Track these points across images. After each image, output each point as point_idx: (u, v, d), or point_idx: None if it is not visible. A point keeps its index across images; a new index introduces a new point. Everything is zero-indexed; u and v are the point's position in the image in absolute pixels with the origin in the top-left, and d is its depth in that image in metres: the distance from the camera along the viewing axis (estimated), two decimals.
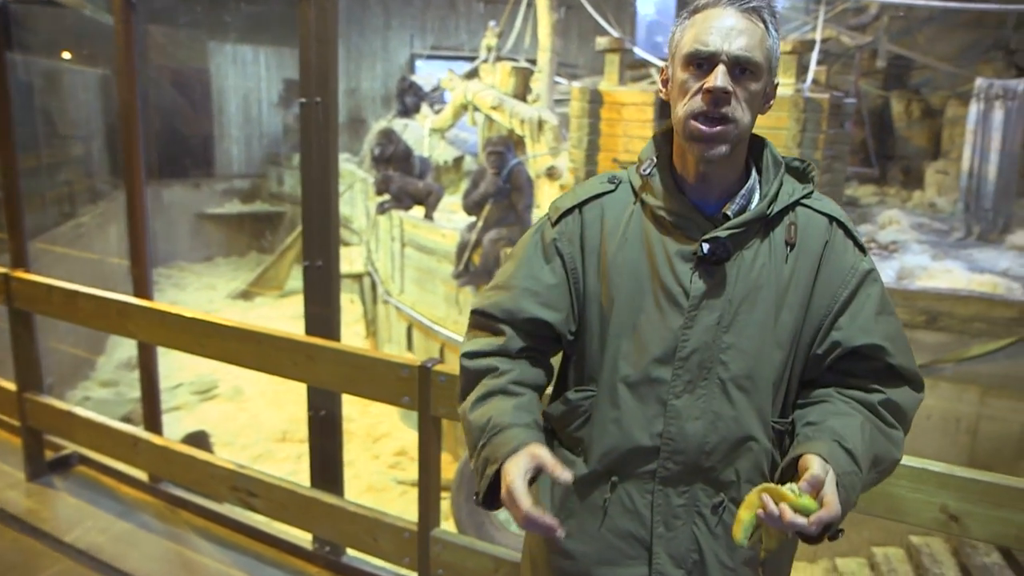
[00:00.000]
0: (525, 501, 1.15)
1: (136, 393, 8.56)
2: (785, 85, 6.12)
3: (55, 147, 10.22)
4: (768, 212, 1.29)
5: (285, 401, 8.23)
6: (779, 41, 1.28)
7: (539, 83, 8.05)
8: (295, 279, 12.15)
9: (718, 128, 1.21)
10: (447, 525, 3.03)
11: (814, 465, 1.15)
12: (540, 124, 7.44)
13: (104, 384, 9.15)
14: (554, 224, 1.39)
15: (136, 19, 3.08)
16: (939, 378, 5.37)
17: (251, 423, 8.11)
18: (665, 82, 1.32)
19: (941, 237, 8.09)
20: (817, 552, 5.90)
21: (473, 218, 6.50)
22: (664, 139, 1.36)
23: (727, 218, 1.29)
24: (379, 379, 2.47)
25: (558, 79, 8.46)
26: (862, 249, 1.34)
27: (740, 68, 1.21)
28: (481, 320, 1.42)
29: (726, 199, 1.31)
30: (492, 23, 9.74)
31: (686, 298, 1.27)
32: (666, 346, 1.28)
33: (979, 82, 7.82)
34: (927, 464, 1.69)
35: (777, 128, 5.76)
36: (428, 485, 2.47)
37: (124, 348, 9.70)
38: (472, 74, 9.65)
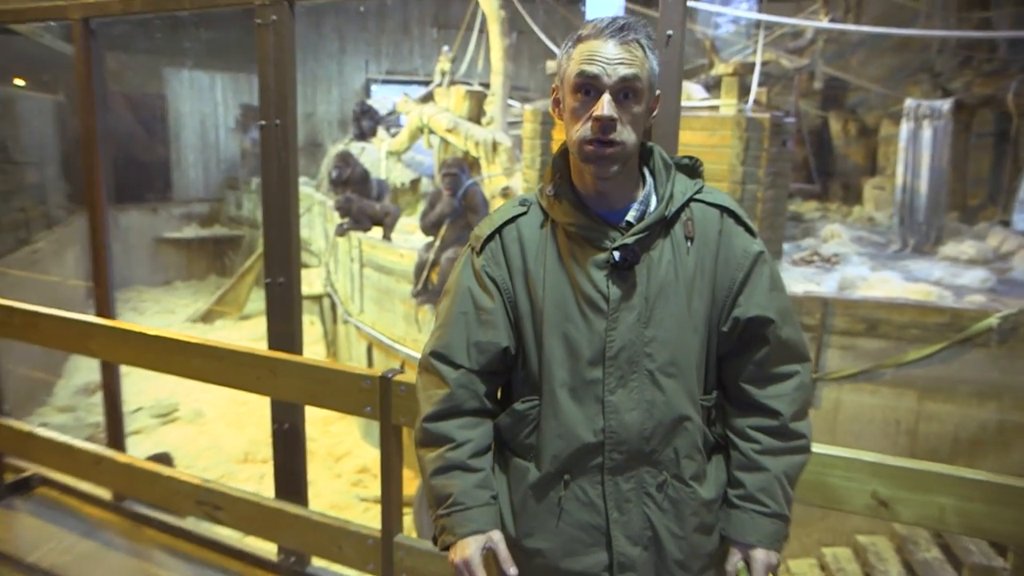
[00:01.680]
0: (480, 574, 1.41)
1: (95, 418, 8.45)
2: (727, 105, 6.40)
3: (9, 174, 10.11)
4: (667, 214, 1.42)
5: (246, 423, 8.18)
6: (657, 62, 1.39)
7: (492, 106, 8.22)
8: (255, 301, 12.09)
9: (608, 151, 1.33)
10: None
11: (754, 563, 1.45)
12: (494, 146, 7.60)
13: (62, 410, 8.99)
14: (479, 253, 1.49)
15: (96, 46, 3.14)
16: (879, 383, 5.62)
17: (212, 445, 8.04)
18: (556, 103, 1.43)
19: (879, 249, 8.41)
20: None
21: (430, 238, 6.62)
22: (562, 159, 1.48)
23: (630, 225, 1.42)
24: (341, 391, 2.53)
25: (511, 102, 8.65)
26: (752, 233, 1.48)
27: (624, 93, 1.33)
28: (435, 364, 1.51)
29: (626, 206, 1.44)
30: (445, 48, 9.93)
31: (606, 303, 1.39)
32: (595, 348, 1.40)
33: (908, 102, 8.21)
34: (859, 454, 1.82)
35: (721, 146, 6.02)
36: (390, 492, 2.53)
37: (82, 373, 9.54)
38: (427, 98, 9.79)
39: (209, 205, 16.37)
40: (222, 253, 15.42)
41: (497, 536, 1.46)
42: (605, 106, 1.31)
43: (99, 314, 3.25)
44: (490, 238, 1.49)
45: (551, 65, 6.95)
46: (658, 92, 1.43)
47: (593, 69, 1.31)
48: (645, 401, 1.40)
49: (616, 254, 1.38)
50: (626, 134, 1.34)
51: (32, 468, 3.56)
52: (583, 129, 1.34)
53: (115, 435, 3.38)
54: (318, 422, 8.14)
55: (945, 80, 9.87)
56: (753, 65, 6.56)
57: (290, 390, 2.69)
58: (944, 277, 6.97)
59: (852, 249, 8.06)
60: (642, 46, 1.35)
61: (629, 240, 1.38)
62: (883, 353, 5.61)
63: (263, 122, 2.79)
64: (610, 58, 1.31)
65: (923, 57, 10.46)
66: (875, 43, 10.37)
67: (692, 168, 1.50)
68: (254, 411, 8.09)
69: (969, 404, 5.50)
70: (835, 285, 6.51)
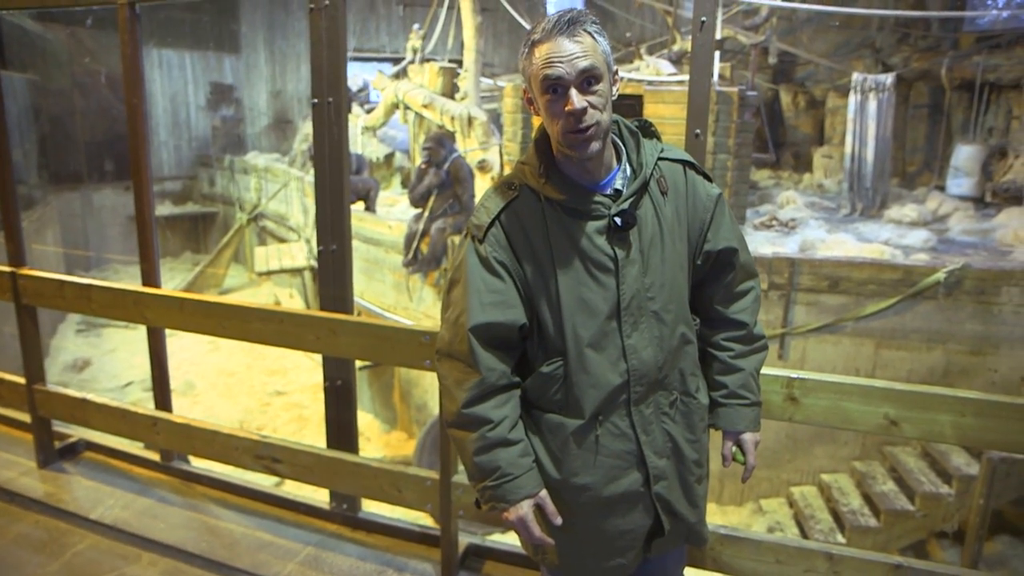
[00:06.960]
0: (537, 530, 1.59)
1: (88, 392, 8.38)
2: None
3: None
4: (648, 176, 1.59)
5: (237, 392, 8.24)
6: (607, 40, 1.50)
7: (466, 82, 8.38)
8: (232, 277, 12.08)
9: (587, 133, 1.46)
10: None
11: (745, 444, 1.77)
12: (470, 120, 7.79)
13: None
14: (482, 241, 1.58)
15: (139, 30, 3.24)
16: (841, 334, 6.14)
17: (207, 415, 8.09)
18: (530, 101, 1.56)
19: (831, 214, 9.00)
20: (744, 495, 6.60)
21: (419, 210, 6.82)
22: (544, 141, 1.60)
23: (618, 192, 1.57)
24: (401, 346, 2.67)
25: (482, 78, 8.83)
26: (709, 179, 1.71)
27: (587, 81, 1.45)
28: (460, 351, 1.58)
29: (607, 175, 1.59)
30: (416, 26, 9.98)
31: (614, 263, 1.56)
32: (611, 304, 1.57)
33: (855, 76, 8.75)
34: (873, 382, 2.08)
35: None
36: (448, 438, 2.64)
37: (68, 351, 9.39)
38: (401, 74, 9.86)
39: (182, 183, 16.21)
40: (196, 230, 15.31)
41: (544, 494, 1.61)
42: (574, 99, 1.44)
43: (146, 285, 3.37)
44: (491, 225, 1.57)
45: None
46: (615, 68, 1.56)
47: (555, 72, 1.43)
48: (655, 337, 1.60)
49: (617, 220, 1.54)
50: (597, 114, 1.47)
51: (77, 434, 3.69)
52: (560, 123, 1.48)
53: (163, 398, 3.53)
54: (308, 390, 8.27)
55: (885, 56, 10.50)
56: (719, 41, 6.93)
57: (351, 348, 2.84)
58: (891, 238, 7.57)
59: (807, 214, 8.60)
60: (590, 33, 1.46)
61: (625, 205, 1.55)
62: (844, 308, 6.12)
63: (315, 100, 2.93)
64: (566, 56, 1.43)
65: (865, 34, 11.07)
66: (821, 20, 10.93)
67: (647, 130, 1.68)
68: (243, 382, 8.16)
69: (919, 351, 6.08)
70: (796, 247, 7.00)
